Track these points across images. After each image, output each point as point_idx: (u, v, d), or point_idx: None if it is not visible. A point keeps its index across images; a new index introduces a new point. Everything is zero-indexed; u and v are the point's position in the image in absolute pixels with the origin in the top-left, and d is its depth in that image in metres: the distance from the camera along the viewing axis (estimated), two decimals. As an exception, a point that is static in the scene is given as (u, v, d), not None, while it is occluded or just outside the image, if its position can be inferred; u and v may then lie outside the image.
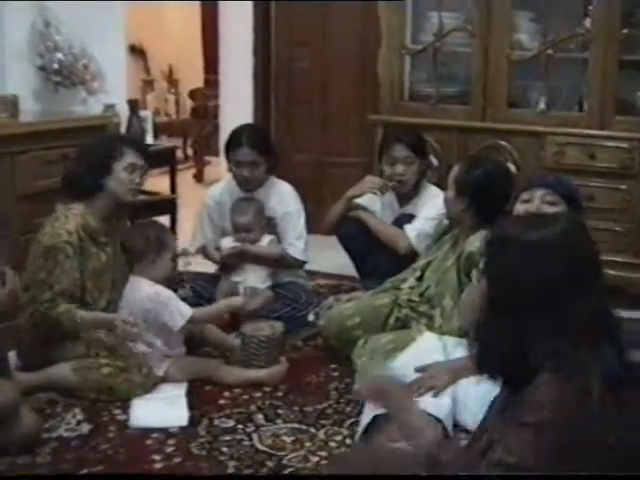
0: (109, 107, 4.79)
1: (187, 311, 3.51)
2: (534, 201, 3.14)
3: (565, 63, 4.71)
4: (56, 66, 4.43)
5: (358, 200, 4.40)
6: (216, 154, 7.96)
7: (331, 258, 4.90)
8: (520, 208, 3.18)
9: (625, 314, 3.98)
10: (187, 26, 10.35)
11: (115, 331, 3.35)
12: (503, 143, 4.72)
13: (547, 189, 3.15)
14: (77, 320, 3.36)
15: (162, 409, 3.27)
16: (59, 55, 4.44)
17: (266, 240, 4.25)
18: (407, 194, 4.38)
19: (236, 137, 4.25)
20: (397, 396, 2.42)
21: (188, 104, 10.17)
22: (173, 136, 8.93)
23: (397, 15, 4.97)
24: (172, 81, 10.53)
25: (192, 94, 9.83)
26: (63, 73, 4.43)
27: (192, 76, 10.20)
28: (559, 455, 1.78)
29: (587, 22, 4.56)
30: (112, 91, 4.79)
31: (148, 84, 10.36)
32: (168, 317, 3.49)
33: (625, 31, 4.42)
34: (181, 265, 3.98)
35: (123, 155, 3.61)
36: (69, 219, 3.47)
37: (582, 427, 1.79)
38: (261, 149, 4.20)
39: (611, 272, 4.46)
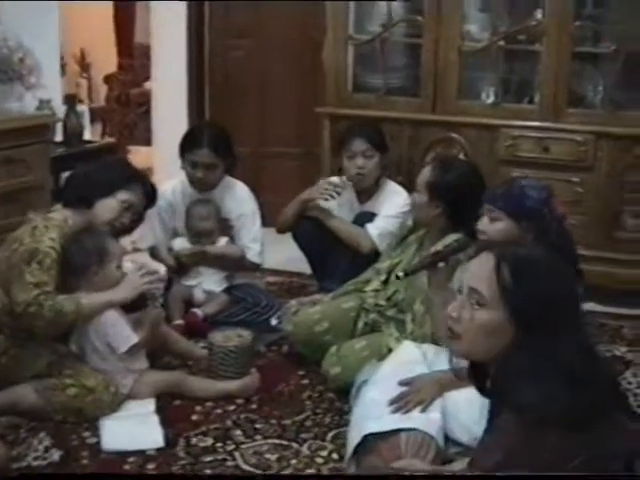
0: (45, 102, 4.56)
1: (131, 336, 3.30)
2: (483, 216, 3.07)
3: (516, 55, 4.68)
4: (-9, 60, 4.18)
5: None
6: (142, 143, 7.78)
7: (277, 253, 4.76)
8: (478, 223, 3.09)
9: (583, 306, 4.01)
10: (99, 7, 10.00)
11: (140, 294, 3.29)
12: (455, 136, 4.67)
13: (490, 204, 3.05)
14: (80, 306, 3.16)
15: (134, 430, 3.09)
16: (-6, 49, 4.20)
17: (222, 242, 4.10)
18: (367, 191, 4.29)
19: (195, 137, 4.07)
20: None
21: (102, 90, 9.88)
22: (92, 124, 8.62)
23: (343, 4, 4.84)
24: (84, 65, 10.19)
25: (107, 79, 9.54)
26: (0, 67, 4.18)
27: (106, 60, 9.91)
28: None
29: (538, 13, 4.53)
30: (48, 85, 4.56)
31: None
32: (113, 339, 3.31)
33: (578, 23, 4.41)
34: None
35: (129, 189, 3.45)
36: (50, 229, 3.25)
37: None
38: (221, 151, 4.05)
39: (566, 265, 4.50)
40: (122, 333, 3.28)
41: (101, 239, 3.35)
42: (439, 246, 3.23)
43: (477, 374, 2.05)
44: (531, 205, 2.95)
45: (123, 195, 3.43)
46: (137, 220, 3.58)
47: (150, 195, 3.59)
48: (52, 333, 3.25)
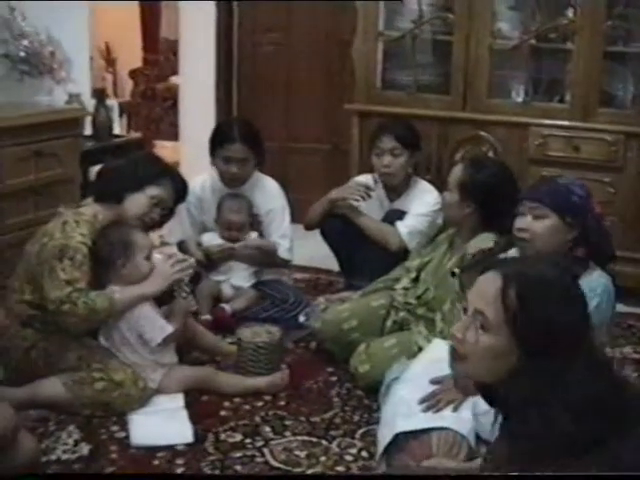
0: (74, 96, 4.56)
1: (166, 326, 3.31)
2: (525, 215, 2.94)
3: (547, 53, 4.65)
4: (22, 54, 4.19)
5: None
6: (167, 138, 7.79)
7: (305, 249, 4.73)
8: (515, 222, 2.98)
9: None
10: (125, 2, 10.02)
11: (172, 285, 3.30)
12: (484, 134, 4.64)
13: (534, 202, 2.92)
14: (113, 302, 3.17)
15: (163, 425, 3.09)
16: (25, 42, 4.20)
17: (251, 238, 4.09)
18: (397, 189, 4.27)
19: (227, 132, 4.07)
20: None
21: (127, 84, 9.90)
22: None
23: (373, 1, 4.82)
24: (109, 60, 10.20)
25: (132, 74, 9.56)
26: (30, 61, 4.19)
27: (130, 55, 9.92)
28: None
29: (570, 12, 4.50)
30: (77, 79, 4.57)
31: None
32: (148, 330, 3.30)
33: (609, 23, 4.37)
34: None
35: (159, 184, 3.43)
36: (80, 224, 3.25)
37: None
38: (253, 145, 4.05)
39: (595, 265, 4.47)
40: (156, 324, 3.28)
41: (127, 232, 3.34)
42: (472, 248, 3.19)
43: (484, 391, 2.00)
44: (576, 201, 2.88)
45: (152, 190, 3.42)
46: (167, 215, 3.57)
47: (180, 190, 3.58)
48: (85, 329, 3.25)
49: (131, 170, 3.46)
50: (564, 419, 1.70)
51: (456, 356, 1.92)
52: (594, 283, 2.79)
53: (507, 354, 1.81)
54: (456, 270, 3.06)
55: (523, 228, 2.90)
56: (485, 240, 3.37)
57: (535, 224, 2.88)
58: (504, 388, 1.84)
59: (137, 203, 3.40)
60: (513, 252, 3.01)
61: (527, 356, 1.78)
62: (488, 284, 1.85)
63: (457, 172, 3.52)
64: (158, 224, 3.57)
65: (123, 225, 3.37)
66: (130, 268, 3.30)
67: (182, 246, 4.18)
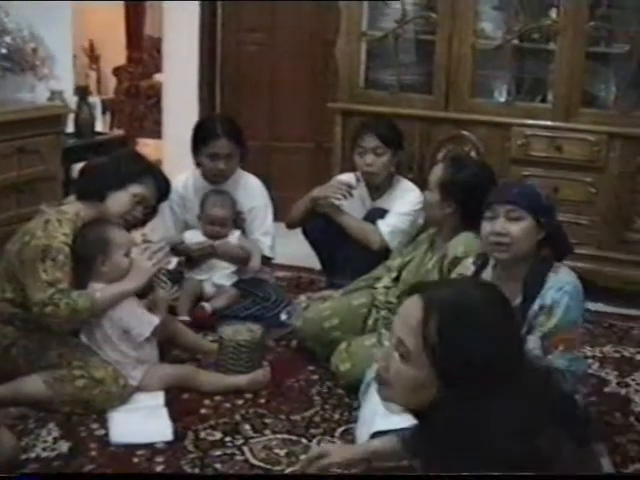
0: (56, 94, 4.55)
1: (152, 319, 3.32)
2: (498, 218, 2.89)
3: (530, 53, 4.66)
4: (4, 51, 4.18)
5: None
6: (151, 136, 7.77)
7: (287, 248, 4.71)
8: (487, 227, 2.94)
9: (591, 307, 4.01)
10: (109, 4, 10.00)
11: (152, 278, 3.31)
12: (467, 134, 4.65)
13: (510, 204, 2.89)
14: (95, 301, 3.17)
15: (143, 422, 3.08)
16: (7, 39, 4.19)
17: (234, 235, 4.09)
18: (380, 187, 4.27)
19: (210, 128, 4.08)
20: None
21: (110, 81, 9.87)
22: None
23: (357, 1, 4.83)
24: (93, 57, 10.18)
25: (116, 71, 9.53)
26: (13, 58, 4.18)
27: (114, 52, 9.90)
28: None
29: (553, 13, 4.51)
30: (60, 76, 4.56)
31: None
32: (134, 324, 3.30)
33: (592, 23, 4.39)
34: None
35: (141, 182, 3.42)
36: (62, 223, 3.24)
37: None
38: (237, 140, 4.06)
39: (576, 264, 4.46)
40: (143, 319, 3.29)
41: (104, 229, 3.33)
42: (461, 269, 3.16)
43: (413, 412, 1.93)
44: (545, 202, 2.92)
45: (135, 189, 3.41)
46: (150, 213, 3.56)
47: (163, 189, 3.57)
48: (68, 329, 3.25)
49: (113, 168, 3.45)
50: (487, 451, 1.66)
51: (382, 381, 1.87)
52: (562, 282, 2.81)
53: (428, 385, 1.76)
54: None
55: (499, 232, 2.86)
56: (465, 239, 3.38)
57: (512, 227, 2.85)
58: (426, 417, 1.82)
59: (119, 201, 3.39)
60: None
61: (447, 388, 1.73)
62: (410, 312, 1.79)
63: (437, 172, 3.53)
64: (141, 222, 3.56)
65: (101, 223, 3.36)
66: (109, 265, 3.30)
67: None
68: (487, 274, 3.00)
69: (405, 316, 1.80)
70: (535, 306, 2.81)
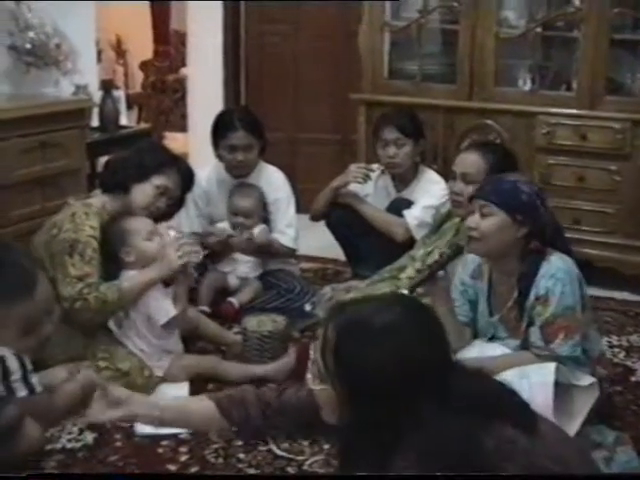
0: (81, 88, 4.57)
1: (171, 311, 3.34)
2: (476, 213, 2.88)
3: (554, 41, 4.64)
4: (28, 46, 4.20)
5: (349, 186, 4.27)
6: (177, 129, 7.80)
7: (311, 239, 4.74)
8: (467, 220, 2.94)
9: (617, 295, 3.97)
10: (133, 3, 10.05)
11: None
12: (491, 123, 4.62)
13: (482, 199, 2.86)
14: (123, 291, 3.21)
15: (168, 413, 3.11)
16: (31, 34, 4.21)
17: (258, 229, 4.10)
18: (404, 178, 4.27)
19: (228, 121, 4.08)
20: None
21: (138, 76, 9.92)
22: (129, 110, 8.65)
23: (379, -10, 4.82)
24: (120, 52, 10.23)
25: (142, 66, 9.58)
26: (36, 53, 4.20)
27: (142, 47, 9.94)
28: None
29: (576, 0, 4.48)
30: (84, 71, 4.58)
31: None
32: (153, 310, 3.33)
33: (616, 10, 4.35)
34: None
35: (164, 173, 3.45)
36: (89, 216, 3.28)
37: None
38: (255, 132, 4.06)
39: (602, 253, 4.47)
40: (163, 306, 3.32)
41: (121, 222, 3.38)
42: (436, 255, 3.14)
43: None
44: (526, 198, 2.81)
45: (157, 180, 3.44)
46: (176, 205, 3.59)
47: (187, 179, 3.59)
48: (100, 322, 3.30)
49: (136, 160, 3.48)
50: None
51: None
52: (554, 269, 2.77)
53: (340, 405, 1.78)
54: (405, 292, 3.00)
55: (472, 227, 2.86)
56: None
57: (482, 222, 2.82)
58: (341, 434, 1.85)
59: (143, 193, 3.42)
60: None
61: (355, 409, 1.74)
62: (323, 333, 1.81)
63: (464, 160, 3.51)
64: (168, 215, 3.59)
65: (123, 217, 3.40)
66: (134, 254, 3.35)
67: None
68: (485, 269, 2.98)
69: (323, 334, 1.82)
70: (531, 297, 2.79)
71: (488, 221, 2.81)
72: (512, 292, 2.84)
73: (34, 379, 2.36)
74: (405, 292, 2.94)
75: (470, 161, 3.48)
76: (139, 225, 3.38)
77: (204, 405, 2.23)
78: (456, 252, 2.98)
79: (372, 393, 1.70)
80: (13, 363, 2.63)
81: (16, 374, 2.62)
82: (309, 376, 1.91)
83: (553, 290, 2.74)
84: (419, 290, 3.45)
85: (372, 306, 1.84)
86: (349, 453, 1.78)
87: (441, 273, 3.00)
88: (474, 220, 2.85)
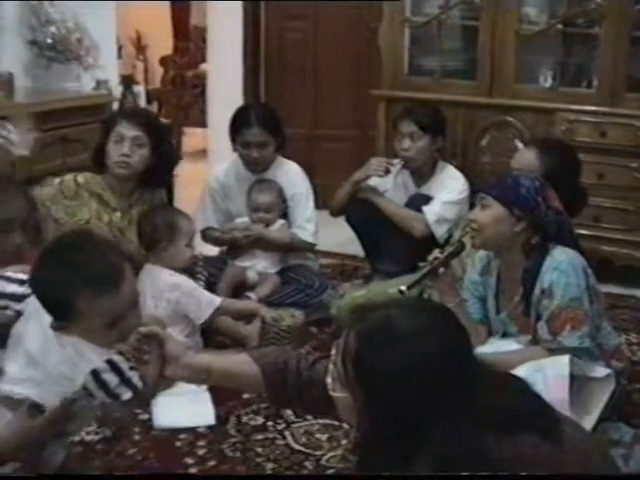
0: (102, 83, 4.60)
1: (214, 300, 3.38)
2: (477, 206, 2.94)
3: (574, 38, 4.62)
4: (50, 40, 4.23)
5: (369, 181, 4.27)
6: (198, 125, 7.81)
7: (331, 235, 4.73)
8: (469, 213, 3.05)
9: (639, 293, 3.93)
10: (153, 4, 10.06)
11: None
12: (511, 119, 4.62)
13: (482, 192, 2.91)
14: None
15: (186, 407, 3.11)
16: (52, 29, 4.24)
17: (278, 224, 4.10)
18: (423, 173, 4.26)
19: (243, 118, 4.08)
20: None
21: (157, 71, 9.94)
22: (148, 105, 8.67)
23: (399, -14, 4.81)
24: (140, 47, 10.25)
25: (162, 61, 9.59)
26: (57, 48, 4.23)
27: (162, 42, 9.97)
28: None
29: (597, -3, 4.47)
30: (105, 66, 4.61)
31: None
32: (194, 308, 3.35)
33: (638, 7, 4.33)
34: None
35: (115, 125, 3.50)
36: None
37: None
38: (271, 128, 4.06)
39: (622, 251, 4.45)
40: (202, 300, 3.39)
41: (172, 215, 3.45)
42: (436, 252, 3.13)
43: None
44: (524, 192, 2.81)
45: (113, 135, 3.49)
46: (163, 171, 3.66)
47: (135, 117, 3.61)
48: None
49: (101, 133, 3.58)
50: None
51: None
52: (557, 261, 2.77)
53: (359, 412, 1.76)
54: (403, 288, 2.98)
55: (472, 219, 2.91)
56: None
57: (480, 214, 2.86)
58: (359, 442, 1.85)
59: (108, 154, 3.50)
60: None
61: (375, 418, 1.72)
62: (346, 337, 1.80)
63: (527, 157, 3.46)
64: (160, 182, 3.68)
65: (168, 208, 3.45)
66: (172, 252, 3.39)
67: (206, 234, 4.21)
68: (494, 266, 2.99)
69: (343, 341, 1.81)
70: (536, 292, 2.79)
71: (485, 212, 2.85)
72: (518, 288, 2.85)
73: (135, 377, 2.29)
74: (404, 288, 2.92)
75: (526, 159, 3.43)
76: (187, 227, 3.48)
77: (250, 370, 2.20)
78: (459, 248, 2.97)
79: (393, 403, 1.68)
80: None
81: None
82: (329, 380, 1.87)
83: (557, 282, 2.74)
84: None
85: (394, 313, 1.79)
86: (368, 462, 1.77)
87: (441, 270, 2.98)
88: (474, 212, 2.92)
